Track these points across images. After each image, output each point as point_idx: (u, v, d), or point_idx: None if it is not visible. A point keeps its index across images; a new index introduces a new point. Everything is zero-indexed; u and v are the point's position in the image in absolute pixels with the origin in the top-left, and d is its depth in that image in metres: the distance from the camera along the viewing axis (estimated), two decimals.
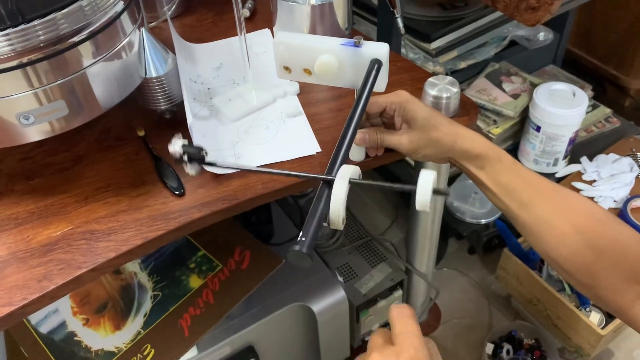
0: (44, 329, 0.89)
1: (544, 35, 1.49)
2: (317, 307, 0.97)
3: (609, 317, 1.19)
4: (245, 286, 0.90)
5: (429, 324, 1.27)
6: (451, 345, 1.33)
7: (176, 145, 0.60)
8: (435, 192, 0.52)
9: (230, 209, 0.69)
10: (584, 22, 1.74)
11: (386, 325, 1.17)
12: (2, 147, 0.66)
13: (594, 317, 1.17)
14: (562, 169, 1.41)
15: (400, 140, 0.68)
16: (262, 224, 1.09)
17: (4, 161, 0.78)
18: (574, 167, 1.40)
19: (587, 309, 1.18)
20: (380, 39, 1.30)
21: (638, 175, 1.34)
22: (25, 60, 0.59)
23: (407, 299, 1.18)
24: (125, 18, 0.68)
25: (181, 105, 0.76)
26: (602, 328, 1.14)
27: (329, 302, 0.99)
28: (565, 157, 1.39)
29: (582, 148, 1.44)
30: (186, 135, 0.74)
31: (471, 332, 1.35)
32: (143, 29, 0.74)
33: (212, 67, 0.91)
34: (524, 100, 1.39)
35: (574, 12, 1.54)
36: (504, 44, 1.45)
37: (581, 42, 1.81)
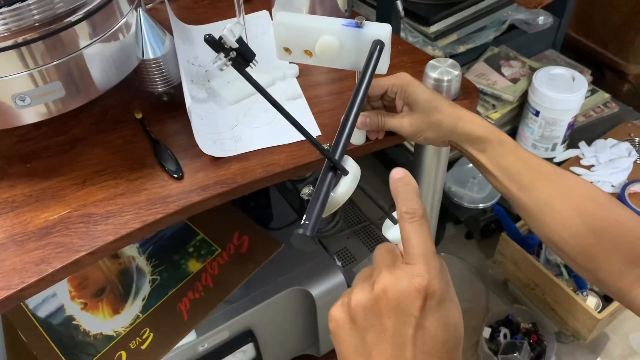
0: (42, 312, 0.89)
1: (543, 19, 1.48)
2: (315, 291, 0.97)
3: (606, 301, 1.20)
4: (244, 270, 0.90)
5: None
6: None
7: (231, 34, 0.48)
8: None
9: (229, 193, 0.69)
10: (584, 6, 1.73)
11: None
12: None
13: (591, 302, 1.18)
14: (561, 154, 1.41)
15: (401, 123, 0.68)
16: (261, 208, 1.08)
17: (0, 144, 0.77)
18: (572, 152, 1.40)
19: (584, 293, 1.19)
20: (379, 21, 1.28)
21: (636, 160, 1.34)
22: (20, 40, 0.58)
23: None
24: None
25: (179, 87, 0.75)
26: (599, 312, 1.15)
27: (328, 286, 0.99)
28: (563, 142, 1.39)
29: (580, 133, 1.44)
30: (185, 118, 0.74)
31: (469, 317, 1.36)
32: (140, 10, 0.72)
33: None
34: (523, 84, 1.38)
35: None
36: (503, 28, 1.44)
37: (580, 26, 1.80)
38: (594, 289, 1.21)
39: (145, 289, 0.89)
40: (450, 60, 0.77)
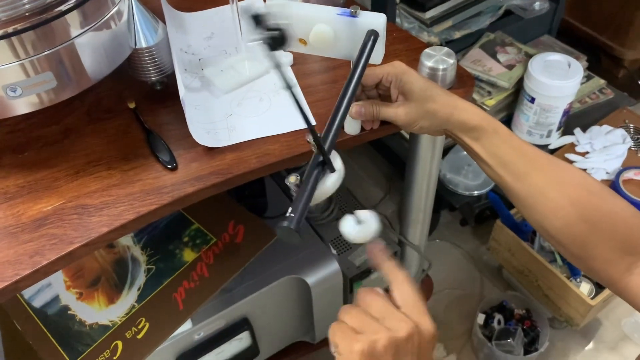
0: (37, 303, 0.89)
1: (539, 5, 1.47)
2: (311, 279, 0.98)
3: (599, 287, 1.20)
4: (240, 260, 0.90)
5: (421, 295, 1.28)
6: (443, 316, 1.34)
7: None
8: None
9: (224, 183, 0.69)
10: None
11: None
12: None
13: (584, 288, 1.19)
14: (556, 141, 1.41)
15: (396, 112, 0.67)
16: (256, 197, 1.08)
17: None
18: (567, 139, 1.40)
19: (578, 279, 1.20)
20: (374, 7, 1.27)
21: (630, 146, 1.35)
22: (10, 29, 0.57)
23: None
24: None
25: (172, 76, 0.75)
26: (592, 298, 1.16)
27: (323, 274, 0.99)
28: (558, 129, 1.39)
29: (575, 119, 1.44)
30: (178, 108, 0.73)
31: (463, 303, 1.37)
32: None
33: (203, 37, 0.89)
34: (519, 71, 1.38)
35: None
36: (499, 14, 1.43)
37: (576, 11, 1.79)
38: (587, 275, 1.22)
39: (141, 279, 0.89)
40: (446, 49, 0.76)
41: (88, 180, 0.69)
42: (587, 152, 1.35)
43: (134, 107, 0.77)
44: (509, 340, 1.22)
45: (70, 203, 0.66)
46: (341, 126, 0.57)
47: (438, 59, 0.75)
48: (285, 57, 0.83)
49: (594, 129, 1.40)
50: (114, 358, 0.82)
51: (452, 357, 1.28)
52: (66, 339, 0.85)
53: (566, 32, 1.74)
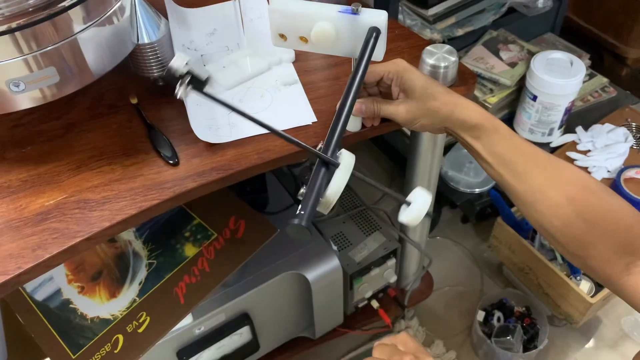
0: (39, 296, 0.89)
1: (543, 2, 1.46)
2: (311, 275, 0.98)
3: (599, 285, 1.21)
4: (241, 255, 0.90)
5: (422, 292, 1.28)
6: (443, 313, 1.35)
7: (179, 61, 0.49)
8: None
9: (225, 179, 0.69)
10: None
11: (377, 294, 1.18)
12: None
13: (584, 286, 1.19)
14: (557, 139, 1.41)
15: (397, 110, 0.68)
16: (257, 192, 1.08)
17: None
18: (569, 137, 1.40)
19: (578, 277, 1.20)
20: (377, 4, 1.27)
21: (632, 145, 1.34)
22: (14, 25, 0.57)
23: (400, 268, 1.19)
24: None
25: None
26: (592, 297, 1.16)
27: (323, 270, 0.99)
28: (560, 127, 1.39)
29: (577, 118, 1.44)
30: (180, 104, 0.73)
31: (463, 300, 1.37)
32: None
33: (206, 32, 0.90)
34: (521, 69, 1.38)
35: None
36: (502, 11, 1.43)
37: (579, 9, 1.78)
38: (586, 274, 1.22)
39: (142, 273, 0.90)
40: (447, 47, 0.76)
41: (90, 175, 0.70)
42: (589, 151, 1.35)
43: (136, 103, 0.77)
44: (508, 338, 1.22)
45: (72, 197, 0.67)
46: (346, 125, 0.57)
47: (440, 57, 0.75)
48: (286, 53, 0.83)
49: (596, 127, 1.40)
50: (115, 352, 0.83)
51: (451, 353, 1.28)
52: (68, 332, 0.85)
53: (569, 30, 1.73)
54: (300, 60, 0.84)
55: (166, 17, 0.79)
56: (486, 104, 1.37)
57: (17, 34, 0.58)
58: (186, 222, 0.95)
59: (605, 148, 1.34)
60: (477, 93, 1.37)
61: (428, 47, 0.76)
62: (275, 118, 0.75)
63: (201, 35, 0.89)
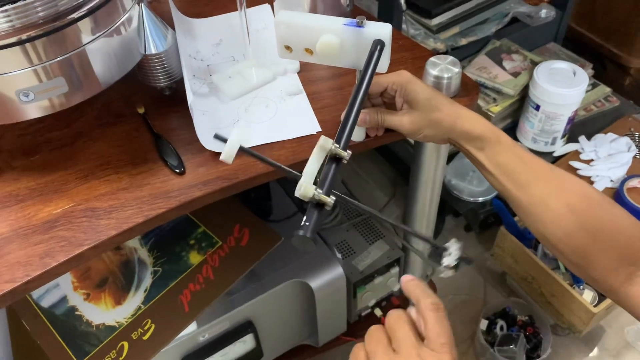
0: (45, 303, 0.90)
1: (546, 12, 1.48)
2: (315, 283, 0.99)
3: (602, 295, 1.21)
4: (245, 263, 0.91)
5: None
6: None
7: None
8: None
9: (231, 188, 0.70)
10: None
11: (382, 301, 1.19)
12: (1, 124, 0.65)
13: (587, 295, 1.19)
14: (560, 148, 1.41)
15: (401, 121, 0.68)
16: (262, 201, 1.09)
17: (4, 138, 0.78)
18: (572, 147, 1.40)
19: (581, 287, 1.20)
20: (381, 14, 1.28)
21: (635, 155, 1.35)
22: (24, 36, 0.58)
23: None
24: None
25: (181, 82, 0.76)
26: (595, 306, 1.16)
27: (327, 278, 1.00)
28: (563, 136, 1.39)
29: (580, 127, 1.44)
30: (187, 113, 0.74)
31: (466, 308, 1.37)
32: (142, 4, 0.73)
33: (212, 43, 0.91)
34: (524, 78, 1.38)
35: None
36: (505, 21, 1.44)
37: (583, 19, 1.79)
38: (588, 284, 1.22)
39: (147, 281, 0.90)
40: (451, 58, 0.77)
41: (97, 183, 0.70)
42: (592, 160, 1.36)
43: (143, 112, 0.78)
44: (511, 347, 1.23)
45: (80, 206, 0.68)
46: (350, 136, 0.58)
47: (443, 68, 0.76)
48: (291, 64, 0.84)
49: (599, 136, 1.40)
50: (120, 358, 0.83)
51: None
52: (73, 339, 0.86)
53: (572, 40, 1.74)
54: (305, 71, 0.85)
55: (173, 27, 0.80)
56: (489, 113, 1.37)
57: (27, 45, 0.59)
58: (191, 230, 0.96)
59: (608, 157, 1.34)
60: (480, 102, 1.38)
61: (431, 58, 0.77)
62: (280, 128, 0.75)
63: (207, 46, 0.90)
